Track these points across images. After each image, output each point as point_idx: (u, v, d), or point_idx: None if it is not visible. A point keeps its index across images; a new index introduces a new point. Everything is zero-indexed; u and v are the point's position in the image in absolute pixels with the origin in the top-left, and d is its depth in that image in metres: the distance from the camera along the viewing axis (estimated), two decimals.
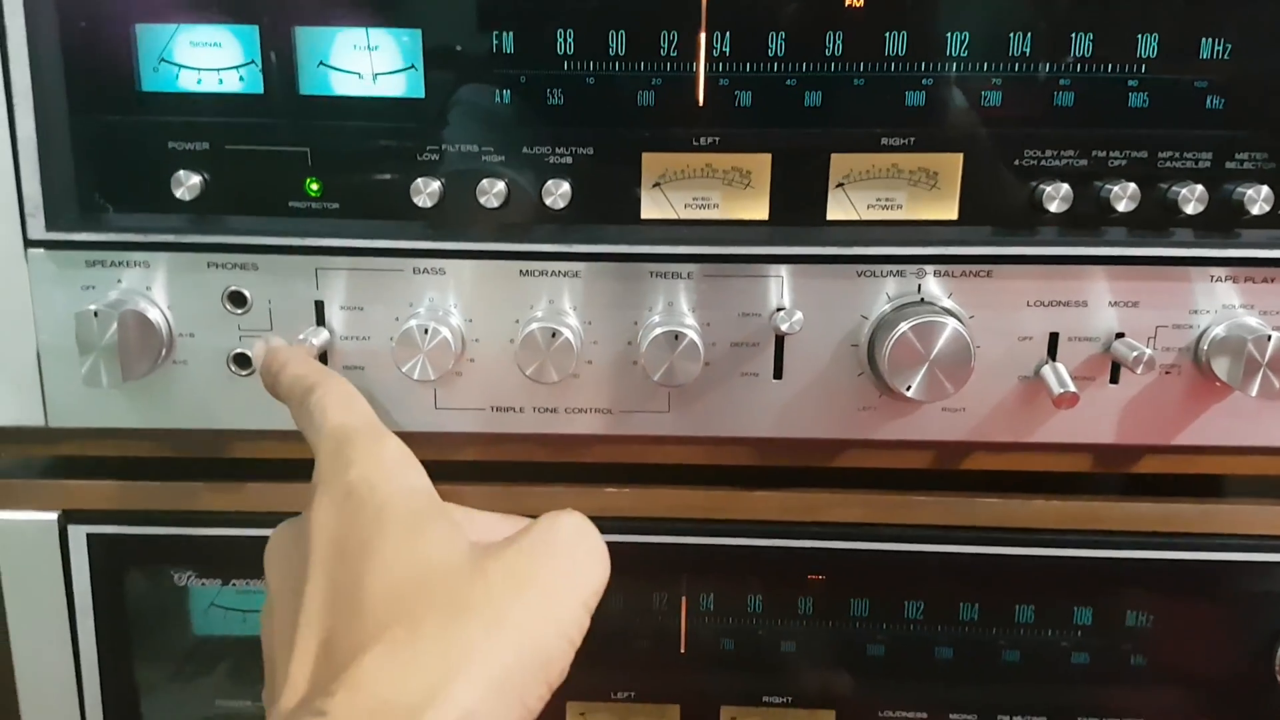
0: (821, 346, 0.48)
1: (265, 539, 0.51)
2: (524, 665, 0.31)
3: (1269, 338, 0.45)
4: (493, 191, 0.46)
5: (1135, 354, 0.46)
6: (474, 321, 0.48)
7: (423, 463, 0.52)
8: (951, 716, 0.53)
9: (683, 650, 0.54)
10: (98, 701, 0.52)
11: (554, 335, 0.47)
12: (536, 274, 0.48)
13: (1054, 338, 0.48)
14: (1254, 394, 0.45)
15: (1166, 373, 0.48)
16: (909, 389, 0.46)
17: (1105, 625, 0.52)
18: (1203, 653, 0.52)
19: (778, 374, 0.49)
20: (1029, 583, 0.52)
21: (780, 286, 0.48)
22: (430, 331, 0.47)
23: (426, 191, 0.46)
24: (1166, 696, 0.53)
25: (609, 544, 0.51)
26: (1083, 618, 0.53)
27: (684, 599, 0.54)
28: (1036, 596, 0.52)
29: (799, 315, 0.47)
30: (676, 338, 0.46)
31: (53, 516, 0.51)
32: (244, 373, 0.49)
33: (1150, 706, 0.53)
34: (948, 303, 0.47)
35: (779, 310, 0.47)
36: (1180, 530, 0.50)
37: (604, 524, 0.51)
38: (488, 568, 0.33)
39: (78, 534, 0.51)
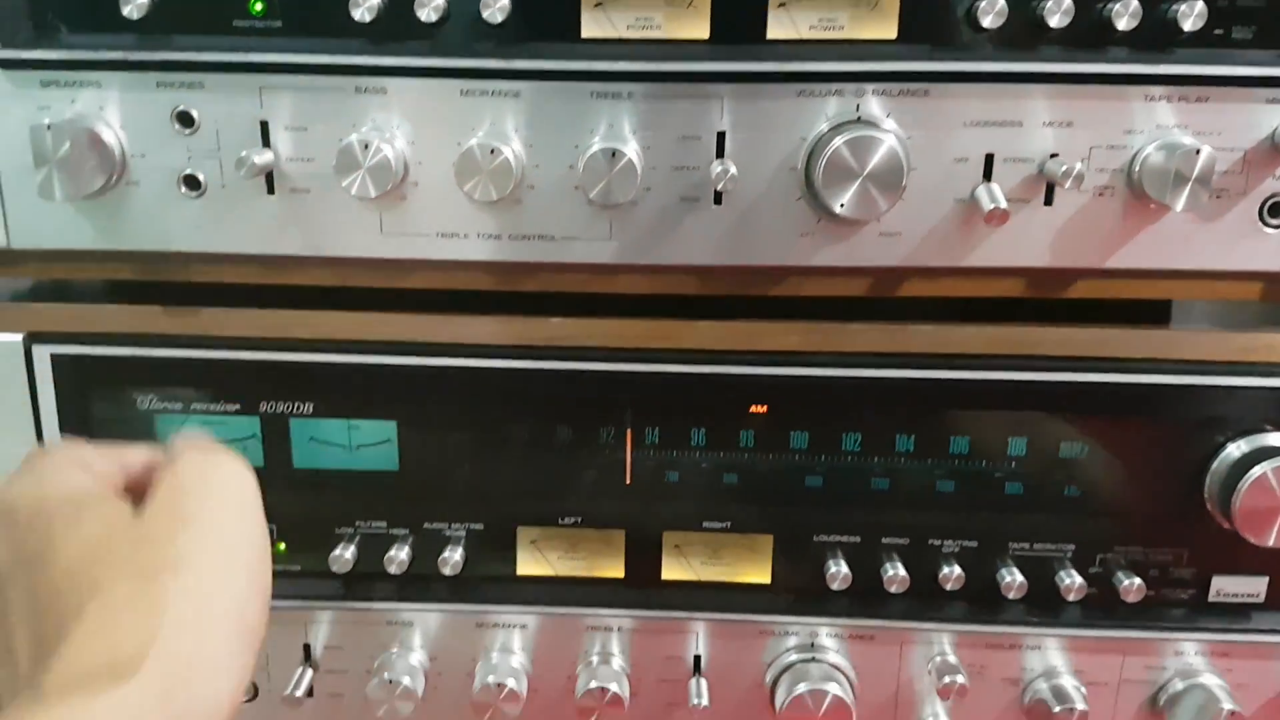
0: (761, 171, 0.49)
1: (222, 362, 0.53)
2: (224, 592, 0.32)
3: (1198, 151, 0.45)
4: (431, 5, 0.47)
5: (1065, 169, 0.46)
6: (417, 144, 0.49)
7: (367, 290, 0.54)
8: (885, 540, 0.55)
9: (628, 481, 0.56)
10: None
11: (493, 152, 0.47)
12: (478, 94, 0.48)
13: (989, 159, 0.48)
14: (1180, 208, 0.46)
15: (1100, 194, 0.49)
16: (842, 205, 0.47)
17: (1039, 455, 0.53)
18: (1135, 480, 0.53)
19: (718, 200, 0.50)
20: (964, 410, 0.53)
21: (721, 108, 0.48)
22: (371, 148, 0.47)
23: (365, 5, 0.47)
24: (1099, 523, 0.54)
25: (552, 372, 0.54)
26: (1017, 448, 0.54)
27: (629, 431, 0.55)
28: (972, 424, 0.53)
29: (733, 171, 0.47)
30: (614, 155, 0.47)
31: (18, 338, 0.53)
32: (194, 195, 0.50)
33: (1082, 533, 0.54)
34: (887, 123, 0.48)
35: (719, 165, 0.47)
36: (1115, 355, 0.51)
37: (547, 353, 0.54)
38: (147, 523, 0.34)
39: (42, 354, 0.52)
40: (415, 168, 0.49)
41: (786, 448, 0.55)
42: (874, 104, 0.48)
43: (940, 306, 0.52)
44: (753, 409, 0.55)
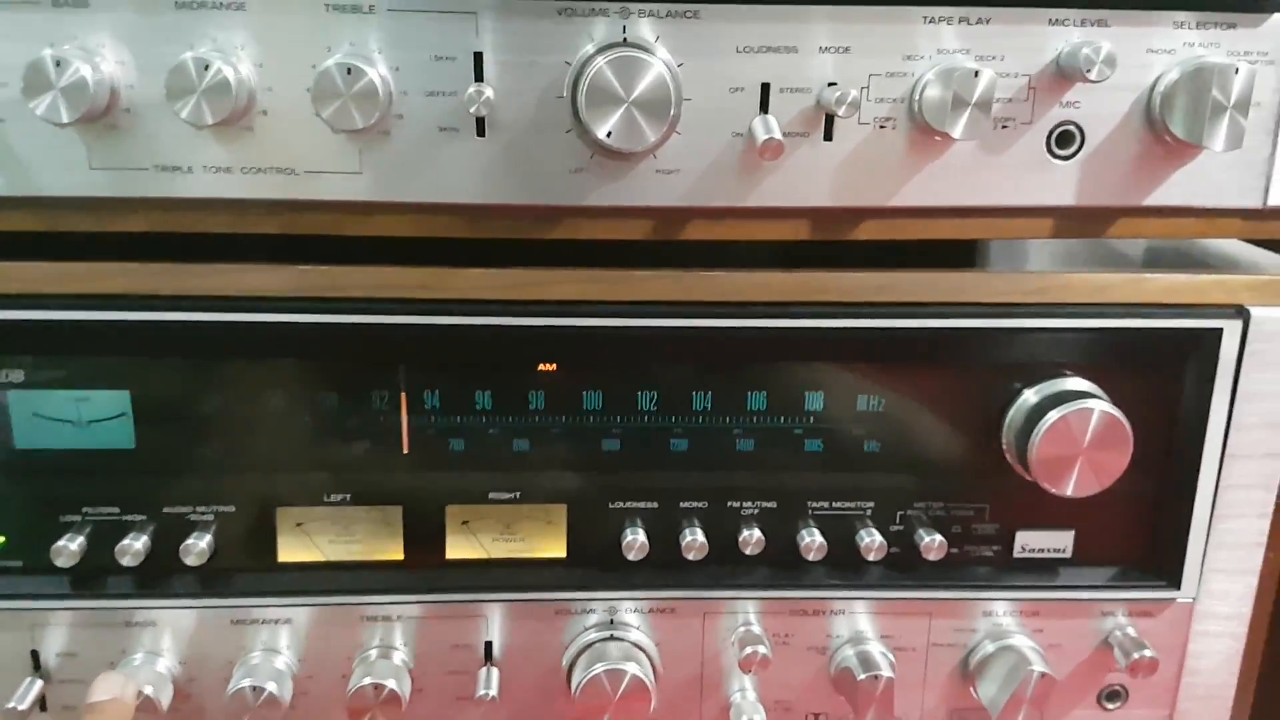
0: (526, 98, 0.44)
1: (67, 324, 0.45)
2: None
3: (976, 74, 0.43)
4: None
5: (839, 95, 0.43)
6: (125, 64, 0.42)
7: (78, 235, 0.46)
8: (683, 505, 0.51)
9: (405, 450, 0.51)
10: None
11: (206, 67, 0.41)
12: (195, 5, 0.42)
13: (765, 89, 0.45)
14: (959, 135, 0.43)
15: (882, 126, 0.46)
16: (609, 134, 0.43)
17: (836, 409, 0.50)
18: (933, 432, 0.51)
19: (480, 130, 0.45)
20: (759, 361, 0.49)
21: (476, 26, 0.44)
22: (66, 65, 0.41)
23: None
24: (898, 478, 0.51)
25: (311, 327, 0.48)
26: (814, 402, 0.51)
27: (403, 393, 0.50)
28: (768, 378, 0.50)
29: (489, 94, 0.42)
30: (349, 73, 0.42)
31: None
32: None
33: (882, 489, 0.51)
34: (657, 48, 0.44)
35: (474, 88, 0.42)
36: (907, 300, 0.48)
37: (305, 304, 0.47)
38: None
39: None
40: (126, 91, 0.43)
41: (578, 409, 0.50)
42: (643, 26, 0.44)
43: (731, 252, 0.49)
44: (541, 367, 0.50)
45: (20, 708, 0.49)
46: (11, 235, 0.46)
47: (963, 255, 0.54)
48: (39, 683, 0.50)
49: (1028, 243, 0.60)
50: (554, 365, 0.50)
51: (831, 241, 0.49)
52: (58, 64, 0.41)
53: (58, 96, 0.41)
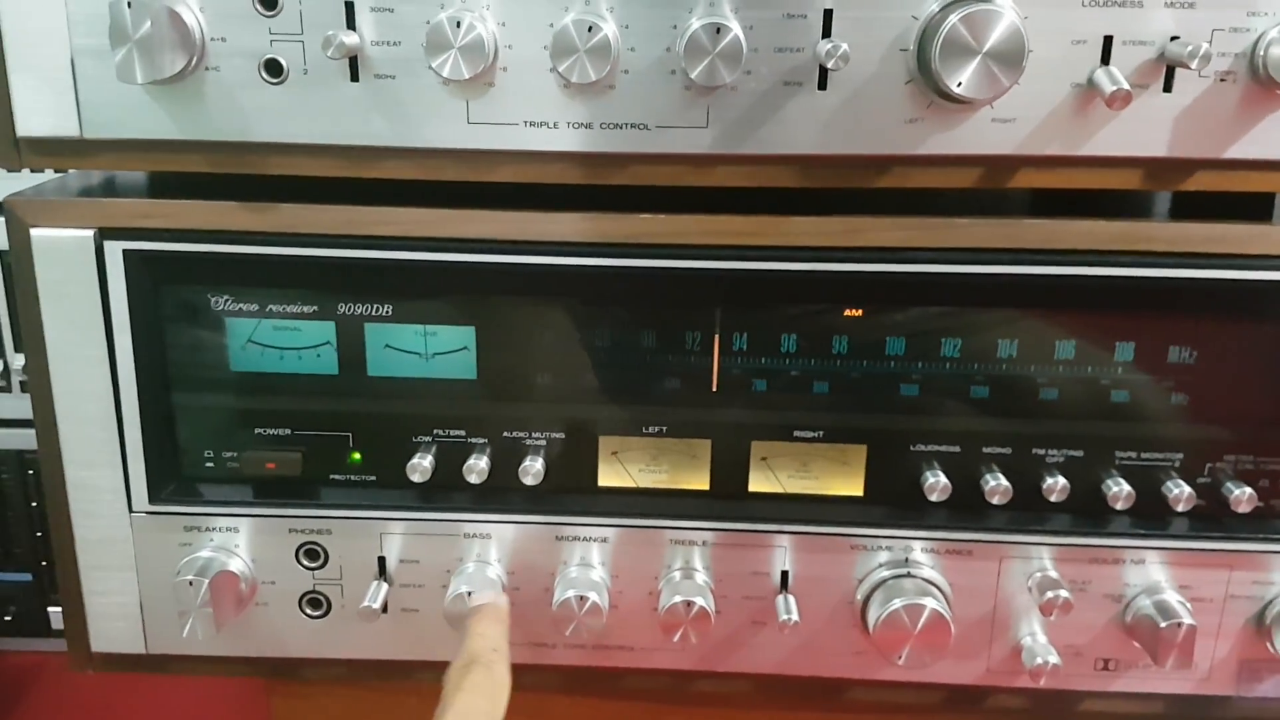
0: (869, 53, 0.47)
1: (299, 260, 0.52)
2: None
3: None
4: None
5: (1190, 49, 0.44)
6: (507, 25, 0.47)
7: (452, 184, 0.52)
8: (985, 450, 0.53)
9: (715, 389, 0.54)
10: (136, 421, 0.53)
11: (590, 30, 0.45)
12: None
13: (1108, 41, 0.46)
14: None
15: (1222, 80, 0.46)
16: (960, 84, 0.45)
17: (1146, 360, 0.51)
18: (1244, 385, 0.51)
19: (822, 84, 0.48)
20: (1071, 307, 0.51)
21: None
22: (464, 25, 0.46)
23: None
24: (1207, 431, 0.52)
25: (639, 270, 0.52)
26: (1124, 353, 0.52)
27: (717, 336, 0.53)
28: (1078, 325, 0.51)
29: (845, 48, 0.45)
30: (718, 31, 0.45)
31: (89, 233, 0.51)
32: (274, 81, 0.49)
33: (1190, 441, 0.52)
34: (1008, 3, 0.45)
35: (825, 44, 0.45)
36: (1228, 251, 0.49)
37: (634, 250, 0.52)
38: None
39: (114, 250, 0.51)
40: (505, 52, 0.47)
41: (882, 354, 0.53)
42: None
43: (1049, 203, 0.51)
44: (848, 312, 0.53)
45: (374, 606, 0.55)
46: (380, 183, 0.52)
47: (1253, 208, 0.53)
48: (385, 586, 0.57)
49: None
50: (860, 310, 0.53)
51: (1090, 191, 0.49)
52: (456, 25, 0.46)
53: (457, 55, 0.46)
